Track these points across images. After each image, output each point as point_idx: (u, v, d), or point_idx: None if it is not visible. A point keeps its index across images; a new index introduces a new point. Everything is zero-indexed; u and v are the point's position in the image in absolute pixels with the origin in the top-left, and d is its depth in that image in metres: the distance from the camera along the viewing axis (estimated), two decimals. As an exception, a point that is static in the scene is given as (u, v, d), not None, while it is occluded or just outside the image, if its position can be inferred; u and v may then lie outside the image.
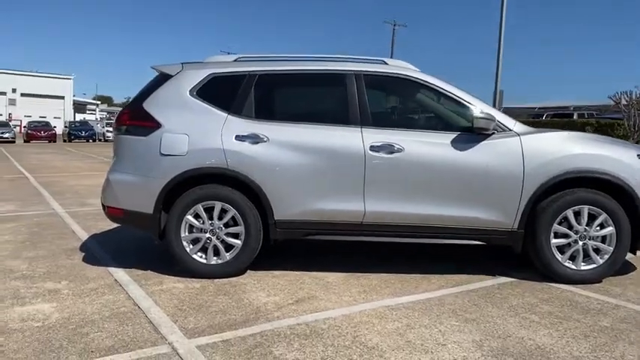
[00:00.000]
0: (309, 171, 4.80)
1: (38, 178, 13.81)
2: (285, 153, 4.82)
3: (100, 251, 5.93)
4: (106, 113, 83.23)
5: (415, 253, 5.87)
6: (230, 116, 4.93)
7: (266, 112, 5.03)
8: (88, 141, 42.51)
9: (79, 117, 70.54)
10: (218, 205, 4.87)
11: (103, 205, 5.23)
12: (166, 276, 5.00)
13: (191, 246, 4.93)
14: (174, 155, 4.83)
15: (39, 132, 40.73)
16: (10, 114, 67.23)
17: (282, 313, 4.09)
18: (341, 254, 5.82)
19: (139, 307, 4.18)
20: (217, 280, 4.89)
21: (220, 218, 4.90)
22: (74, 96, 79.87)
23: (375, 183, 4.80)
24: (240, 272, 5.00)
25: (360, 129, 4.87)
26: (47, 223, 7.65)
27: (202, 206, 4.88)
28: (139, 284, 4.77)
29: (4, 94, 70.30)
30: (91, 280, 4.88)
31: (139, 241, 6.32)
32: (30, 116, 61.14)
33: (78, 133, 42.45)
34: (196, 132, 4.86)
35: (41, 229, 7.20)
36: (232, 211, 4.86)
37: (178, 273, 5.01)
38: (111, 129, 40.85)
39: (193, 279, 4.90)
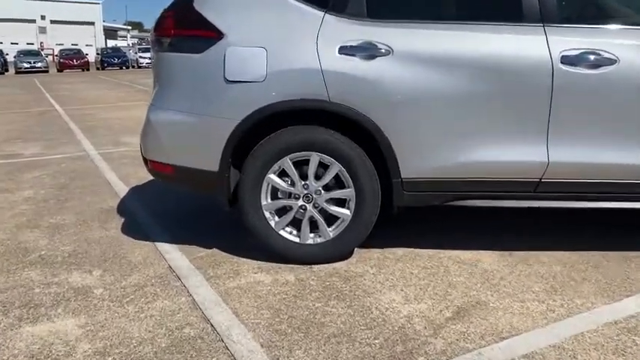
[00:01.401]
0: (458, 101, 3.06)
1: (69, 110, 12.38)
2: (418, 73, 3.06)
3: (143, 215, 4.42)
4: (137, 39, 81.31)
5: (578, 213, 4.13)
6: (328, 16, 3.15)
7: (386, 6, 3.23)
8: (121, 68, 41.02)
9: (111, 43, 68.84)
10: (315, 158, 3.21)
11: (144, 158, 3.62)
12: (242, 259, 3.46)
13: (276, 218, 3.34)
14: (246, 82, 3.13)
15: (71, 60, 39.34)
16: (41, 42, 65.98)
17: (447, 342, 2.49)
18: (467, 215, 4.15)
19: (212, 327, 2.65)
20: (317, 267, 3.32)
21: (318, 177, 3.26)
22: (104, 22, 77.97)
23: (566, 117, 3.03)
24: (346, 255, 3.41)
25: (542, 28, 3.05)
26: (77, 169, 6.17)
27: (291, 160, 3.23)
28: (206, 276, 3.24)
29: (33, 21, 68.81)
30: (135, 269, 3.38)
31: (198, 198, 4.77)
32: (62, 44, 59.70)
33: (111, 60, 40.94)
34: (277, 44, 3.13)
35: (69, 179, 5.72)
36: (336, 167, 3.21)
37: (258, 254, 3.46)
38: (145, 55, 39.17)
39: (281, 265, 3.35)
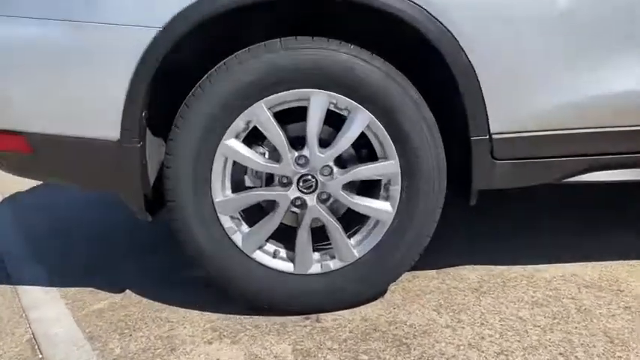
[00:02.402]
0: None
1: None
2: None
3: (16, 245, 2.63)
4: None
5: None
6: None
7: None
8: None
9: None
10: (319, 102, 1.59)
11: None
12: (180, 314, 1.78)
13: (245, 227, 1.70)
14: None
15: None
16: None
17: None
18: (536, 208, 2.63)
19: None
20: (329, 318, 1.69)
21: (325, 144, 1.64)
22: None
23: None
24: (379, 291, 1.79)
25: None
26: None
27: (270, 107, 1.59)
28: (104, 357, 1.54)
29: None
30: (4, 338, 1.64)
31: (96, 206, 3.01)
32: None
33: None
34: None
35: None
36: (363, 118, 1.61)
37: (211, 302, 1.80)
38: None
39: (260, 320, 1.70)
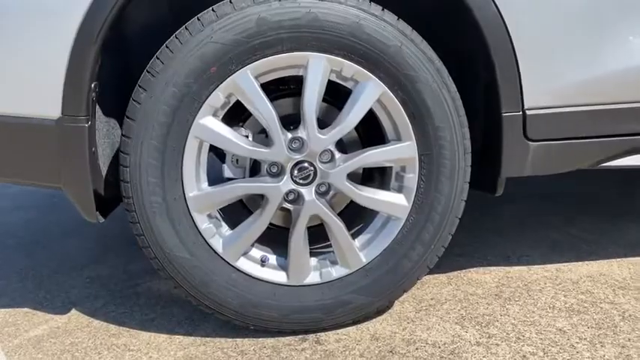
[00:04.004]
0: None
1: None
2: None
3: None
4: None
5: None
6: None
7: None
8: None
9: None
10: (318, 68, 1.26)
11: None
12: (142, 338, 1.42)
13: (225, 229, 1.36)
14: None
15: None
16: None
17: None
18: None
19: None
20: (332, 338, 1.36)
21: (324, 124, 1.31)
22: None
23: None
24: (387, 301, 1.47)
25: None
26: None
27: (257, 76, 1.26)
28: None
29: None
30: None
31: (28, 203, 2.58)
32: None
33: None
34: None
35: None
36: (374, 90, 1.28)
37: (182, 322, 1.44)
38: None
39: (243, 343, 1.36)
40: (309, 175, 1.31)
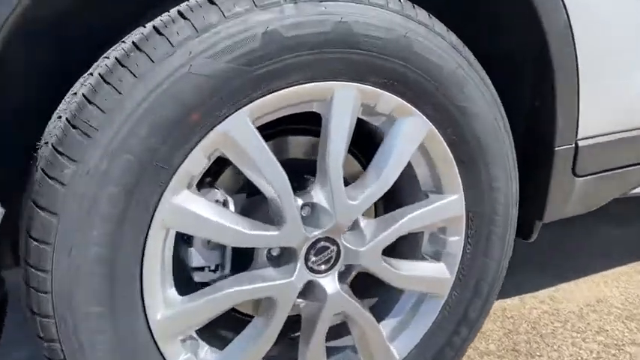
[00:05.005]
0: None
1: None
2: None
3: None
4: None
5: None
6: None
7: None
8: None
9: None
10: (348, 100, 0.82)
11: None
12: None
13: (205, 352, 0.88)
14: None
15: None
16: None
17: None
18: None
19: None
20: None
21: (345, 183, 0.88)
22: None
23: None
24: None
25: None
26: None
27: (257, 117, 0.78)
28: None
29: None
30: None
31: None
32: None
33: None
34: None
35: None
36: (417, 126, 0.89)
37: None
38: None
39: None
40: (331, 257, 0.89)
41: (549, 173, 1.06)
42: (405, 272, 0.96)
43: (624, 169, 1.17)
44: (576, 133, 1.06)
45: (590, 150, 1.09)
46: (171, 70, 0.70)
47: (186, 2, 0.73)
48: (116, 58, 0.70)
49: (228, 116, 0.75)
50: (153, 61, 0.70)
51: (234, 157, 0.79)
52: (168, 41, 0.70)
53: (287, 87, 0.78)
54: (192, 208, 0.77)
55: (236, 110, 0.75)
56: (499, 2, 0.97)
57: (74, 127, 0.69)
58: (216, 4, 0.72)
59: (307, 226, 0.86)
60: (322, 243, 0.88)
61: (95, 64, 0.73)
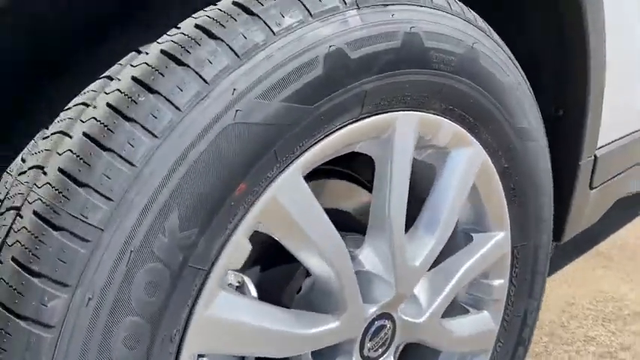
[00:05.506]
0: None
1: None
2: None
3: None
4: None
5: None
6: None
7: None
8: None
9: None
10: (408, 134, 0.63)
11: None
12: None
13: None
14: None
15: None
16: None
17: None
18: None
19: None
20: None
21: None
22: None
23: None
24: None
25: None
26: None
27: (309, 169, 0.54)
28: None
29: None
30: None
31: None
32: None
33: None
34: None
35: None
36: (472, 158, 0.70)
37: None
38: None
39: None
40: (387, 338, 0.69)
41: (571, 191, 0.95)
42: (457, 333, 0.78)
43: (624, 173, 1.11)
44: (597, 142, 0.95)
45: (604, 159, 1.00)
46: (207, 121, 0.44)
47: (203, 12, 0.48)
48: (111, 106, 0.43)
49: (277, 176, 0.51)
50: (179, 109, 0.43)
51: (280, 229, 0.55)
52: (198, 75, 0.44)
53: (346, 126, 0.55)
54: (232, 316, 0.52)
55: (288, 166, 0.52)
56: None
57: (56, 228, 0.41)
58: (257, 14, 0.48)
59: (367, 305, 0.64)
60: (378, 322, 0.67)
61: (73, 104, 0.45)
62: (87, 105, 0.45)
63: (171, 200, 0.43)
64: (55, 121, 0.46)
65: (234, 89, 0.45)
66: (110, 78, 0.46)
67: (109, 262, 0.42)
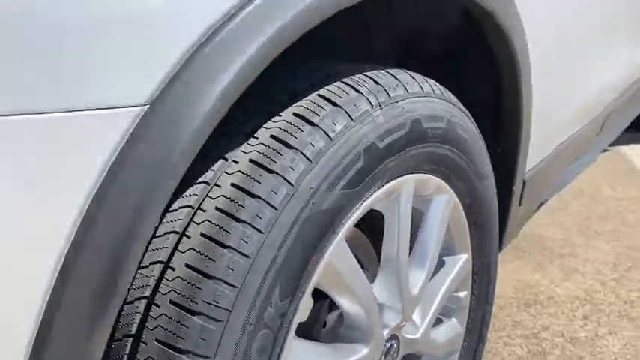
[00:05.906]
0: None
1: None
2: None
3: None
4: None
5: None
6: None
7: None
8: None
9: None
10: (408, 194, 0.79)
11: None
12: None
13: None
14: None
15: None
16: None
17: None
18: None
19: None
20: None
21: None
22: None
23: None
24: None
25: None
26: None
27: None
28: None
29: None
30: None
31: None
32: None
33: None
34: None
35: None
36: (446, 202, 0.88)
37: None
38: None
39: None
40: (395, 354, 0.85)
41: (507, 211, 1.17)
42: (439, 340, 0.96)
43: (542, 188, 1.35)
44: (525, 170, 1.18)
45: (531, 180, 1.23)
46: (294, 216, 0.58)
47: (272, 122, 0.61)
48: (220, 210, 0.55)
49: (330, 245, 0.65)
50: (276, 209, 0.56)
51: (332, 287, 0.69)
52: (286, 180, 0.57)
53: (371, 196, 0.71)
54: (305, 359, 0.65)
55: (335, 234, 0.66)
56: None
57: (192, 312, 0.52)
58: (317, 125, 0.61)
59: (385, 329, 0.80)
60: (388, 343, 0.83)
61: (178, 206, 0.56)
62: (192, 207, 0.57)
63: (275, 278, 0.56)
64: (164, 221, 0.57)
65: (311, 188, 0.59)
66: (207, 183, 0.58)
67: (236, 335, 0.54)
